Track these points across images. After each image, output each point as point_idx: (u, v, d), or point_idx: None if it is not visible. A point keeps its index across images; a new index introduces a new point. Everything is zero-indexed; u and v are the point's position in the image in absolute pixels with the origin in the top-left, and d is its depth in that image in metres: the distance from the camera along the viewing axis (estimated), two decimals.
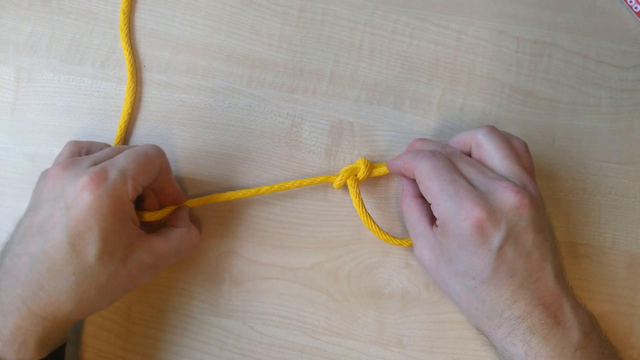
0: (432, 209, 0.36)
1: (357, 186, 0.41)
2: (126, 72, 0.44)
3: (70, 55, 0.45)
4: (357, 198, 0.40)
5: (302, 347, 0.41)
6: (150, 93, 0.44)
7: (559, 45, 0.46)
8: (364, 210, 0.40)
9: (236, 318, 0.41)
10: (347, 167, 0.41)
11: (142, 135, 0.44)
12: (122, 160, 0.34)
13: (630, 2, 0.46)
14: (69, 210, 0.32)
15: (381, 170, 0.42)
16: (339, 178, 0.41)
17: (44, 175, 0.35)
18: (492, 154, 0.36)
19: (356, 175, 0.41)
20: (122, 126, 0.43)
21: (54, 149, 0.43)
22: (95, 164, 0.34)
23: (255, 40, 0.45)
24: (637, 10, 0.46)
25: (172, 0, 0.46)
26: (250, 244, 0.42)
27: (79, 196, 0.32)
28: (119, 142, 0.43)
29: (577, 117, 0.45)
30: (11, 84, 0.44)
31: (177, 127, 0.44)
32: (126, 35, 0.44)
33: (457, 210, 0.34)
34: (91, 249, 0.32)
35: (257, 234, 0.42)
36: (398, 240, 0.40)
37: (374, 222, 0.40)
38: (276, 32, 0.45)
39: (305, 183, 0.41)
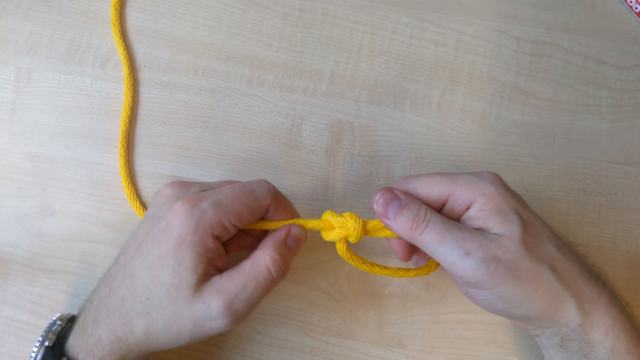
0: (457, 201, 0.33)
1: (349, 250, 0.36)
2: (122, 68, 0.44)
3: (70, 55, 0.45)
4: (354, 261, 0.36)
5: (302, 347, 0.41)
6: (150, 93, 0.44)
7: (559, 45, 0.46)
8: (368, 266, 0.37)
9: None
10: (338, 229, 0.35)
11: (142, 135, 0.44)
12: (223, 193, 0.33)
13: (630, 2, 0.46)
14: (159, 232, 0.32)
15: (380, 231, 0.35)
16: (330, 236, 0.36)
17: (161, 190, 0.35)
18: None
19: (346, 239, 0.36)
20: (124, 127, 0.43)
21: (54, 149, 0.43)
22: (202, 191, 0.33)
23: (255, 40, 0.45)
24: (637, 10, 0.46)
25: (172, 0, 0.46)
26: None
27: (170, 220, 0.32)
28: (123, 141, 0.43)
29: (577, 117, 0.45)
30: (11, 84, 0.44)
31: (177, 127, 0.44)
32: (118, 30, 0.44)
33: (477, 176, 0.34)
34: (164, 277, 0.31)
35: None
36: (414, 271, 0.37)
37: (384, 268, 0.37)
38: (276, 32, 0.45)
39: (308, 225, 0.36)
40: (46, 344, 0.33)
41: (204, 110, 0.44)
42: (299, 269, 0.42)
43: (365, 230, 0.35)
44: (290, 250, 0.35)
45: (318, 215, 0.43)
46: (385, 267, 0.37)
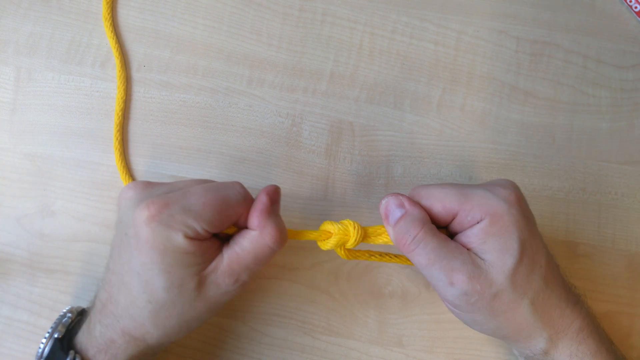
0: (466, 217, 0.32)
1: (351, 252, 0.36)
2: (115, 66, 0.44)
3: (70, 55, 0.45)
4: (362, 257, 0.37)
5: (302, 347, 0.41)
6: (150, 93, 0.44)
7: (559, 45, 0.46)
8: (377, 257, 0.37)
9: (236, 318, 0.41)
10: (336, 236, 0.35)
11: (142, 135, 0.44)
12: (194, 198, 0.31)
13: (630, 2, 0.46)
14: (132, 240, 0.31)
15: (378, 237, 0.35)
16: (327, 245, 0.36)
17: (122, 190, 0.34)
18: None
19: (344, 245, 0.35)
20: (117, 120, 0.43)
21: (54, 149, 0.43)
22: (168, 192, 0.32)
23: (255, 40, 0.45)
24: (637, 10, 0.46)
25: (172, 0, 0.46)
26: None
27: (139, 229, 0.30)
28: (118, 140, 0.43)
29: (577, 117, 0.45)
30: (11, 84, 0.44)
31: (177, 127, 0.44)
32: (110, 24, 0.44)
33: (492, 193, 0.33)
34: (158, 282, 0.31)
35: None
36: None
37: (394, 256, 0.37)
38: (276, 32, 0.45)
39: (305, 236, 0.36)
40: (55, 335, 0.33)
41: (203, 110, 0.44)
42: (299, 269, 0.42)
43: (364, 237, 0.35)
44: (278, 215, 0.34)
45: (318, 215, 0.43)
46: (396, 255, 0.37)
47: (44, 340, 0.33)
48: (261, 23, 0.45)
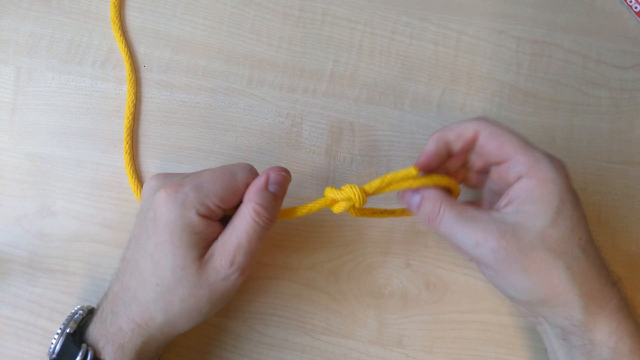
0: (512, 168, 0.34)
1: (360, 210, 0.37)
2: (125, 72, 0.44)
3: (70, 55, 0.45)
4: (371, 215, 0.38)
5: (302, 347, 0.41)
6: (150, 93, 0.44)
7: (559, 45, 0.46)
8: (384, 214, 0.38)
9: (236, 318, 0.41)
10: (342, 201, 0.36)
11: (142, 135, 0.44)
12: (203, 176, 0.34)
13: (630, 2, 0.46)
14: (150, 222, 0.33)
15: (385, 188, 0.36)
16: (339, 208, 0.37)
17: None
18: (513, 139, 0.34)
19: (354, 206, 0.36)
20: (128, 124, 0.43)
21: (54, 149, 0.43)
22: (185, 177, 0.34)
23: (255, 40, 0.45)
24: (637, 10, 0.46)
25: (172, 0, 0.46)
26: None
27: (157, 209, 0.33)
28: (128, 144, 0.43)
29: (577, 117, 0.45)
30: (11, 84, 0.44)
31: (177, 127, 0.44)
32: (119, 28, 0.44)
33: (548, 161, 0.33)
34: (165, 262, 0.33)
35: None
36: None
37: (400, 211, 0.38)
38: (276, 32, 0.45)
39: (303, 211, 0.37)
40: (67, 330, 0.34)
41: (204, 110, 0.44)
42: (299, 269, 0.42)
43: (366, 194, 0.35)
44: (274, 195, 0.35)
45: (318, 215, 0.43)
46: (402, 210, 0.37)
47: (56, 336, 0.34)
48: (261, 23, 0.45)
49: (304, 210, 0.36)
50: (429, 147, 0.35)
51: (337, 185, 0.43)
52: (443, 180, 0.35)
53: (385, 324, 0.41)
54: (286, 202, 0.43)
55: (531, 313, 0.36)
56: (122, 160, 0.43)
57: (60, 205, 0.42)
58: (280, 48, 0.45)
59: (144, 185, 0.36)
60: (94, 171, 0.43)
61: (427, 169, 0.36)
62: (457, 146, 0.35)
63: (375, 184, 0.35)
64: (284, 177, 0.35)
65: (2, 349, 0.40)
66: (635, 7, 0.45)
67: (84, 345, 0.33)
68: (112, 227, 0.42)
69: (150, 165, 0.43)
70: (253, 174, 0.35)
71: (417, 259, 0.42)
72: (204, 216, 0.33)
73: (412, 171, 0.34)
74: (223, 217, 0.35)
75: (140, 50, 0.45)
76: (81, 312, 0.36)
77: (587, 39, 0.46)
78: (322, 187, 0.43)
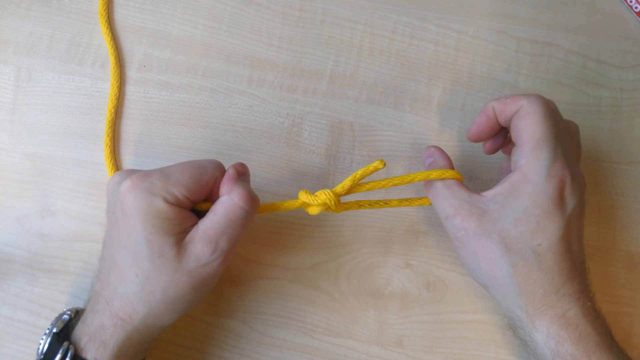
0: (515, 154, 0.35)
1: (339, 205, 0.37)
2: (110, 65, 0.44)
3: (70, 55, 0.45)
4: (353, 207, 0.38)
5: (302, 347, 0.41)
6: (150, 93, 0.44)
7: (559, 45, 0.46)
8: (367, 205, 0.38)
9: (236, 318, 0.41)
10: (320, 202, 0.36)
11: (142, 135, 0.44)
12: (170, 168, 0.34)
13: (630, 2, 0.46)
14: (119, 215, 0.33)
15: (354, 189, 0.37)
16: (314, 211, 0.37)
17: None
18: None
19: (329, 208, 0.37)
20: (110, 118, 0.43)
21: (54, 149, 0.43)
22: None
23: (255, 40, 0.45)
24: (637, 10, 0.46)
25: (171, 0, 0.46)
26: (250, 244, 0.42)
27: (124, 200, 0.32)
28: (109, 137, 0.43)
29: (577, 117, 0.44)
30: (11, 84, 0.44)
31: (177, 127, 0.44)
32: (105, 20, 0.44)
33: (548, 165, 0.33)
34: (141, 251, 0.32)
35: (257, 234, 0.42)
36: (418, 201, 0.39)
37: (383, 202, 0.38)
38: (276, 32, 0.45)
39: (282, 207, 0.37)
40: (54, 331, 0.34)
41: (203, 110, 0.44)
42: (299, 269, 0.42)
43: (339, 196, 0.37)
44: (246, 182, 0.36)
45: (318, 215, 0.43)
46: (385, 201, 0.38)
47: (44, 337, 0.34)
48: (261, 23, 0.45)
49: (277, 207, 0.37)
50: (480, 117, 0.37)
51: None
52: (447, 173, 0.37)
53: (385, 324, 0.41)
54: (285, 199, 0.43)
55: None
56: (122, 160, 0.43)
57: (60, 205, 0.42)
58: (280, 48, 0.45)
59: (108, 181, 0.35)
60: (94, 171, 0.43)
61: (478, 138, 0.38)
62: (501, 118, 0.36)
63: (346, 184, 0.36)
64: (247, 168, 0.37)
65: (2, 349, 0.40)
66: (635, 7, 0.45)
67: (65, 344, 0.33)
68: None
69: (151, 165, 0.43)
70: (221, 170, 0.35)
71: (417, 259, 0.42)
72: (172, 204, 0.32)
73: (379, 165, 0.36)
74: (192, 210, 0.35)
75: (140, 50, 0.45)
76: (69, 312, 0.36)
77: (587, 39, 0.46)
78: (322, 187, 0.43)
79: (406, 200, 0.39)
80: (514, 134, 0.35)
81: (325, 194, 0.36)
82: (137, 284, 0.33)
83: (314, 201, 0.36)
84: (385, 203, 0.38)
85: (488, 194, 0.35)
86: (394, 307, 0.42)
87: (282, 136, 0.44)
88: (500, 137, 0.39)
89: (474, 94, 0.45)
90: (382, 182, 0.37)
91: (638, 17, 0.46)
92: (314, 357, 0.41)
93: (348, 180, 0.36)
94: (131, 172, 0.35)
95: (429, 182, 0.38)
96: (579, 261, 0.35)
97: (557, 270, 0.33)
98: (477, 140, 0.38)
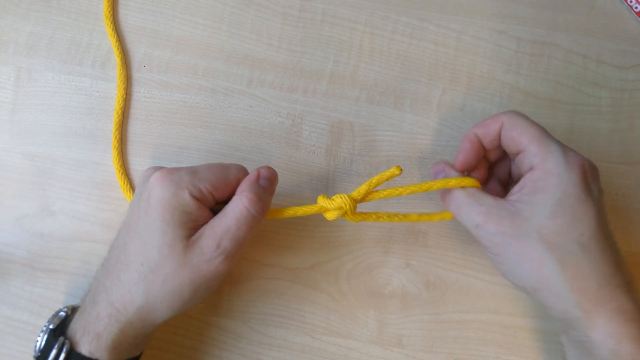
0: (525, 158, 0.35)
1: (356, 215, 0.37)
2: (116, 64, 0.44)
3: (70, 55, 0.45)
4: (369, 219, 0.38)
5: (302, 347, 0.41)
6: (150, 93, 0.44)
7: (559, 45, 0.46)
8: (385, 218, 0.38)
9: (236, 318, 0.41)
10: (334, 210, 0.37)
11: (142, 135, 0.44)
12: (198, 166, 0.36)
13: (630, 2, 0.46)
14: (144, 204, 0.34)
15: (369, 196, 0.37)
16: (332, 216, 0.38)
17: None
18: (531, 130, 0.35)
19: (346, 212, 0.37)
20: (117, 120, 0.43)
21: (54, 149, 0.43)
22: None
23: (255, 40, 0.45)
24: (637, 10, 0.46)
25: (171, 0, 0.46)
26: (251, 243, 0.42)
27: (152, 189, 0.34)
28: (117, 139, 0.43)
29: (577, 117, 0.45)
30: (11, 84, 0.44)
31: (177, 127, 0.44)
32: (111, 22, 0.44)
33: (562, 155, 0.33)
34: (153, 240, 0.33)
35: (257, 234, 0.42)
36: (438, 215, 0.38)
37: (402, 216, 0.38)
38: (276, 32, 0.45)
39: (299, 212, 0.38)
40: (50, 327, 0.34)
41: (203, 110, 0.44)
42: (299, 269, 0.42)
43: (356, 201, 0.37)
44: (265, 189, 0.36)
45: (318, 215, 0.43)
46: (405, 215, 0.38)
47: (41, 334, 0.34)
48: (261, 23, 0.45)
49: (295, 212, 0.37)
50: (464, 145, 0.38)
51: (335, 187, 0.43)
52: (465, 181, 0.36)
53: (385, 323, 0.41)
54: (285, 202, 0.43)
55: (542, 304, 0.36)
56: (129, 162, 0.43)
57: (60, 205, 0.43)
58: (280, 48, 0.45)
59: (140, 174, 0.37)
60: (94, 171, 0.43)
61: (467, 167, 0.38)
62: (486, 140, 0.37)
63: (362, 189, 0.36)
64: (273, 173, 0.38)
65: (2, 349, 0.40)
66: (636, 7, 0.45)
67: (60, 339, 0.33)
68: (112, 227, 0.42)
69: (150, 165, 0.43)
70: (244, 172, 0.37)
71: (417, 259, 0.42)
72: (196, 198, 0.34)
73: (396, 171, 0.36)
74: (212, 210, 0.36)
75: (140, 50, 0.45)
76: (65, 309, 0.36)
77: (587, 39, 0.46)
78: (322, 187, 0.43)
79: (426, 215, 0.38)
80: (510, 145, 0.36)
81: (341, 198, 0.36)
82: (140, 273, 0.33)
83: (330, 205, 0.36)
84: (405, 217, 0.38)
85: (512, 197, 0.35)
86: (394, 307, 0.42)
87: (282, 136, 0.44)
88: (482, 168, 0.39)
89: (474, 94, 0.45)
90: (399, 190, 0.37)
91: (638, 17, 0.46)
92: (314, 357, 0.41)
93: (364, 185, 0.36)
94: (161, 167, 0.37)
95: (448, 195, 0.37)
96: (618, 248, 0.34)
97: (605, 260, 0.33)
98: (465, 169, 0.38)
